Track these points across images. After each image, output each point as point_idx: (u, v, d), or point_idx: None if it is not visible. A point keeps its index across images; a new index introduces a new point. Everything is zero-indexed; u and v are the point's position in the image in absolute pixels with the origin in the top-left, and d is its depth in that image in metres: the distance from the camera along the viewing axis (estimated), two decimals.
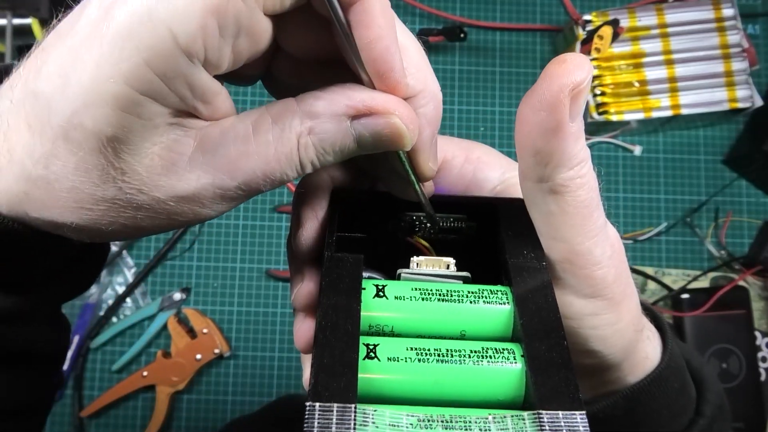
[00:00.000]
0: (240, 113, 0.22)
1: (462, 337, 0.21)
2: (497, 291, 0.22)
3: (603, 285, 0.23)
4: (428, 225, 0.25)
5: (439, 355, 0.19)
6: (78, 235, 0.22)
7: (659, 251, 0.73)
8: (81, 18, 0.19)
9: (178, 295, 0.70)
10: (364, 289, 0.21)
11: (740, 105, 0.67)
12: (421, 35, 0.72)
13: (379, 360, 0.19)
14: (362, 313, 0.20)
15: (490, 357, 0.19)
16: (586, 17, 0.68)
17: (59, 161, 0.20)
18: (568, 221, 0.22)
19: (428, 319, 0.21)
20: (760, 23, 0.76)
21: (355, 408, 0.17)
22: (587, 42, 0.68)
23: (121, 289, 0.70)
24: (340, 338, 0.19)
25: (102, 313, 0.70)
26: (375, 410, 0.17)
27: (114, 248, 0.70)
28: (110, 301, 0.70)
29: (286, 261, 0.72)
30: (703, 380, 0.30)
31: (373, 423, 0.17)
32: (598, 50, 0.68)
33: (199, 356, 0.68)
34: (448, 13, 0.74)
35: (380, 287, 0.21)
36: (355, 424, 0.16)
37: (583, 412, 0.17)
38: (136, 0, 0.18)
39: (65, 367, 0.68)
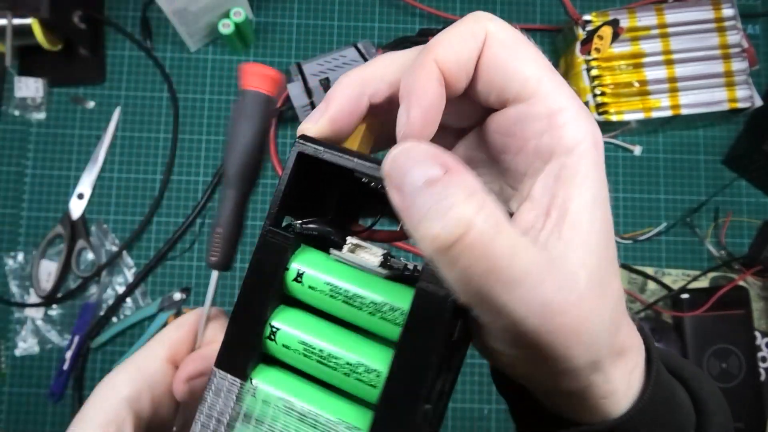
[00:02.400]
0: None
1: (357, 328, 0.23)
2: (397, 310, 0.22)
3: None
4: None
5: (320, 357, 0.23)
6: None
7: (659, 251, 0.73)
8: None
9: (177, 295, 0.70)
10: (287, 269, 0.24)
11: (740, 105, 0.67)
12: (421, 35, 0.72)
13: (276, 343, 0.23)
14: (284, 288, 0.24)
15: (358, 374, 0.22)
16: (586, 17, 0.68)
17: None
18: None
19: (332, 311, 0.23)
20: (760, 23, 0.76)
21: (241, 384, 0.23)
22: (587, 42, 0.68)
23: (121, 289, 0.70)
24: (251, 318, 0.23)
25: (102, 313, 0.70)
26: (256, 389, 0.23)
27: (114, 248, 0.71)
28: (110, 301, 0.70)
29: None
30: (705, 403, 0.26)
31: (252, 396, 0.23)
32: (598, 50, 0.68)
33: None
34: (448, 13, 0.74)
35: (300, 272, 0.23)
36: (240, 394, 0.23)
37: None
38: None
39: (65, 367, 0.68)
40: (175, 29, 0.70)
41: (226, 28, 0.69)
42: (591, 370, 0.21)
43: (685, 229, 0.73)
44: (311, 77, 0.66)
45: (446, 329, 0.20)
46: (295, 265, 0.24)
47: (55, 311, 0.70)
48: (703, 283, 0.72)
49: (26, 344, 0.69)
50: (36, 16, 0.65)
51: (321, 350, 0.23)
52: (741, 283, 0.70)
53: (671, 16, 0.68)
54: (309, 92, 0.67)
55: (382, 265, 0.23)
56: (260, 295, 0.23)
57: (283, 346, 0.23)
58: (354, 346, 0.23)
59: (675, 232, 0.73)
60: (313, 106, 0.68)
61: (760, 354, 0.69)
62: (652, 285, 0.72)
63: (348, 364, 0.22)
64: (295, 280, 0.23)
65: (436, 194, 0.18)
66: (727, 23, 0.68)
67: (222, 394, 0.23)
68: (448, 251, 0.18)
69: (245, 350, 0.23)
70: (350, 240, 0.23)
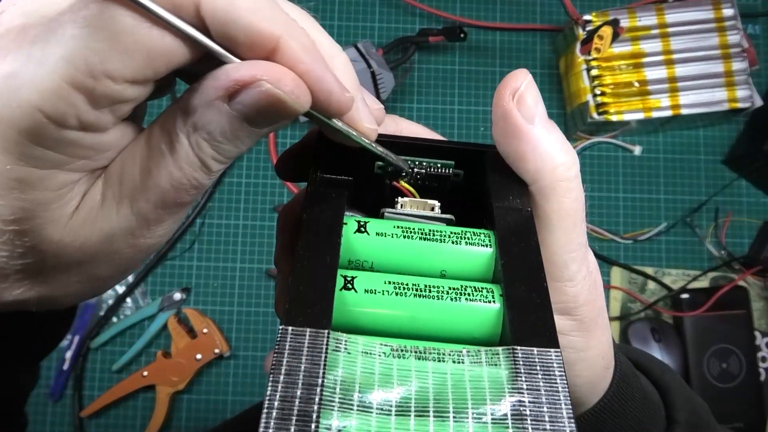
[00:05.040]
0: (138, 134, 0.20)
1: (442, 276, 0.21)
2: (480, 233, 0.21)
3: (574, 303, 0.22)
4: (414, 171, 0.24)
5: (417, 290, 0.19)
6: (38, 306, 0.21)
7: (659, 251, 0.73)
8: None
9: (178, 295, 0.70)
10: (346, 224, 0.21)
11: (740, 105, 0.67)
12: (422, 35, 0.72)
13: (356, 291, 0.19)
14: (342, 248, 0.20)
15: (469, 295, 0.19)
16: (586, 17, 0.68)
17: None
18: (550, 228, 0.22)
19: (409, 257, 0.21)
20: (760, 23, 0.76)
21: (328, 334, 0.16)
22: (587, 42, 0.68)
23: (121, 289, 0.70)
24: (318, 269, 0.18)
25: (102, 313, 0.70)
26: (348, 338, 0.17)
27: None
28: (110, 301, 0.70)
29: None
30: (668, 388, 0.29)
31: (346, 349, 0.17)
32: (598, 50, 0.68)
33: (199, 356, 0.68)
34: (448, 13, 0.74)
35: (362, 223, 0.21)
36: (327, 348, 0.16)
37: (558, 349, 0.17)
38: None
39: (65, 367, 0.68)
40: None
41: None
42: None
43: (685, 229, 0.73)
44: None
45: (534, 236, 0.21)
46: (353, 219, 0.21)
47: None
48: (703, 283, 0.72)
49: None
50: None
51: (416, 283, 0.20)
52: (741, 283, 0.70)
53: (671, 16, 0.68)
54: None
55: (443, 212, 0.23)
56: (325, 244, 0.19)
57: (366, 291, 0.19)
58: (447, 268, 0.21)
59: (675, 232, 0.73)
60: None
61: (760, 354, 0.69)
62: (652, 285, 0.72)
63: (452, 289, 0.20)
64: (358, 231, 0.21)
65: (555, 129, 0.22)
66: (727, 23, 0.68)
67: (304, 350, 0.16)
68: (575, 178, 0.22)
69: (320, 304, 0.18)
70: (399, 199, 0.23)
